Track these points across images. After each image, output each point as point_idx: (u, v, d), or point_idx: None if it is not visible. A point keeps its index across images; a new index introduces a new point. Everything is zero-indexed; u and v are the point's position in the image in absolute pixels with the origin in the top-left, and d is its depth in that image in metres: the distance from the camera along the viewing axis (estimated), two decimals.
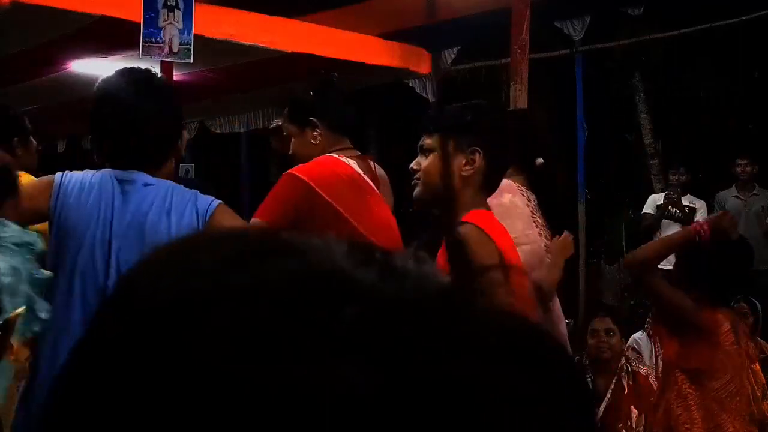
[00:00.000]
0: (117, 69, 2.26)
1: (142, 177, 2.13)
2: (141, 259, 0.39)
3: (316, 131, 2.88)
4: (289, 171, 2.76)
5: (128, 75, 2.22)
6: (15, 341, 2.08)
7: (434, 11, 5.90)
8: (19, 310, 2.10)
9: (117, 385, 0.33)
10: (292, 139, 2.94)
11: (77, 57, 6.09)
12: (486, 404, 0.32)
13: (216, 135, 8.80)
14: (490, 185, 2.21)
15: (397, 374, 0.32)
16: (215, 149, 11.28)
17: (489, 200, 2.22)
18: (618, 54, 8.49)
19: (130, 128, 2.15)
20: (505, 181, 2.43)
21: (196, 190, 2.23)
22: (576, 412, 0.36)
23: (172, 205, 2.09)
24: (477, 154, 2.13)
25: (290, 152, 2.95)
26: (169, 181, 2.17)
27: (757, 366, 4.25)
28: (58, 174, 2.14)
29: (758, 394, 4.14)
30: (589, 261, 7.54)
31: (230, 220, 2.16)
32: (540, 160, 2.75)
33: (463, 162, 2.14)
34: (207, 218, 2.09)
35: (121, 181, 2.11)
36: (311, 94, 2.98)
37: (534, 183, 2.77)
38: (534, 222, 2.72)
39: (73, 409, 0.35)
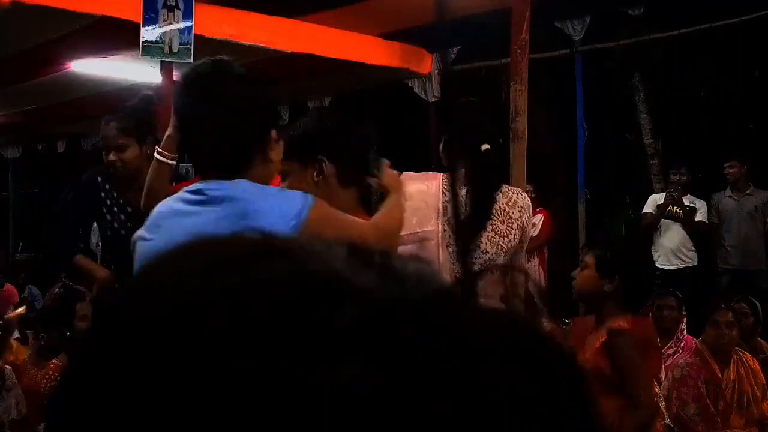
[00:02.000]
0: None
1: (211, 186, 1.86)
2: (137, 270, 0.39)
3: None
4: None
5: (193, 68, 1.98)
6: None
7: (444, 12, 5.85)
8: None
9: (117, 390, 0.33)
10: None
11: (77, 57, 6.09)
12: (486, 404, 0.32)
13: None
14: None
15: (397, 374, 0.32)
16: None
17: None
18: (618, 54, 8.47)
19: (187, 131, 1.97)
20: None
21: (280, 189, 1.93)
22: (576, 412, 0.36)
23: (249, 215, 1.76)
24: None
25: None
26: (248, 185, 1.84)
27: (757, 366, 4.25)
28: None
29: (758, 394, 4.14)
30: None
31: (330, 225, 1.79)
32: (485, 146, 2.72)
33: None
34: (299, 225, 1.76)
35: (192, 193, 1.88)
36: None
37: (474, 172, 2.73)
38: (439, 215, 2.71)
39: (76, 417, 0.35)
